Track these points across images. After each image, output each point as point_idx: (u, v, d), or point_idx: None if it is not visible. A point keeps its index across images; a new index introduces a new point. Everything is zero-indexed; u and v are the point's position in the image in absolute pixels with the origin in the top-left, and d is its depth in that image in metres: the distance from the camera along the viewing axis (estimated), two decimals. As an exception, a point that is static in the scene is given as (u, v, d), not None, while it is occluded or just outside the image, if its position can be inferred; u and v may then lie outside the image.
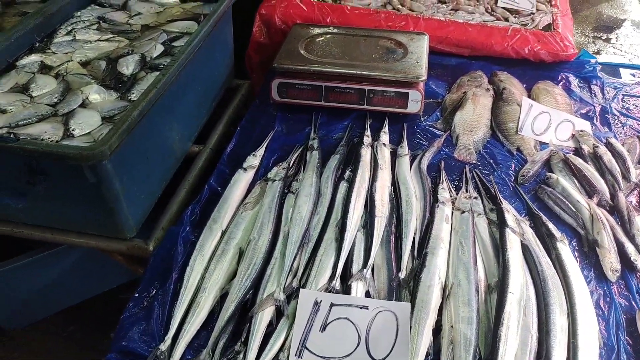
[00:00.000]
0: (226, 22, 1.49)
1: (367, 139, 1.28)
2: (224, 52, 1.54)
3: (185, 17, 1.47)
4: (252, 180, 1.20)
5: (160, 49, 1.31)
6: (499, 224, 1.02)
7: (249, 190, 1.16)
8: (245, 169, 1.20)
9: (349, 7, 1.67)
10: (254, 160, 1.23)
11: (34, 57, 1.27)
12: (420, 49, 1.42)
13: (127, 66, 1.23)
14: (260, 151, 1.27)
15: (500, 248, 0.97)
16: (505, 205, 1.08)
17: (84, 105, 1.12)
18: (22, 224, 1.15)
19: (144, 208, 1.16)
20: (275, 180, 1.13)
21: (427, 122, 1.39)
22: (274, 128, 1.36)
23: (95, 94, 1.14)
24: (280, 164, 1.21)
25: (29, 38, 1.32)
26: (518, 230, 1.00)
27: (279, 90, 1.37)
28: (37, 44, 1.33)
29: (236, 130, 1.38)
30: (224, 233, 1.04)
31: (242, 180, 1.17)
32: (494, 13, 1.68)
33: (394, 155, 1.25)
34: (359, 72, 1.33)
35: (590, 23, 3.35)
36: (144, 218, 1.16)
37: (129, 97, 1.14)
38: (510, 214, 1.04)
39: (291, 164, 1.21)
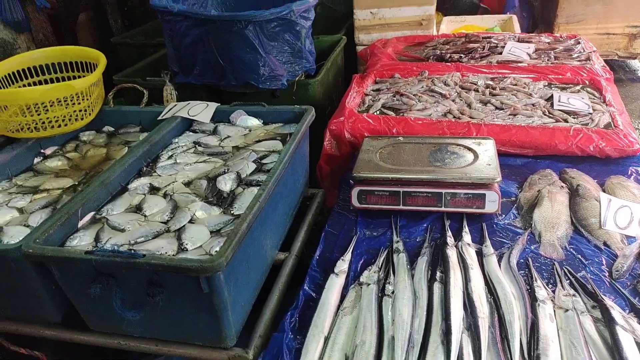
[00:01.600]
0: (305, 139, 1.64)
1: (450, 240, 1.32)
2: (303, 164, 1.68)
3: (269, 137, 1.64)
4: (344, 284, 1.24)
5: (252, 166, 1.45)
6: (607, 322, 1.00)
7: (343, 294, 1.20)
8: (337, 274, 1.25)
9: (412, 119, 1.81)
10: (343, 264, 1.28)
11: (144, 180, 1.43)
12: (489, 151, 1.51)
13: (225, 183, 1.37)
14: (348, 256, 1.32)
15: (614, 348, 0.95)
16: (608, 301, 1.06)
17: (192, 221, 1.24)
18: (130, 337, 1.21)
19: (243, 316, 1.21)
20: (369, 284, 1.17)
21: (506, 221, 1.43)
22: (357, 233, 1.43)
23: (201, 211, 1.26)
24: (370, 267, 1.26)
25: (138, 164, 1.50)
26: (629, 328, 0.98)
27: (359, 197, 1.46)
28: (145, 168, 1.50)
29: (320, 236, 1.45)
30: (326, 339, 1.07)
31: (335, 285, 1.22)
32: (552, 115, 1.78)
33: (479, 255, 1.28)
34: (435, 176, 1.41)
35: (638, 116, 3.43)
36: (241, 326, 1.20)
37: (232, 212, 1.25)
38: (616, 311, 1.03)
39: (380, 267, 1.26)
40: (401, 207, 1.44)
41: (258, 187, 1.32)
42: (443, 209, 1.42)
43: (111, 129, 1.86)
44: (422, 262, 1.24)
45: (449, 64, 2.30)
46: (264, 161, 1.49)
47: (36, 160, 1.68)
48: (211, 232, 1.19)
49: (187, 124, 1.77)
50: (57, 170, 1.63)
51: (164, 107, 1.82)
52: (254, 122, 1.73)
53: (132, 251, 1.13)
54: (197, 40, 2.12)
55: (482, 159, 1.47)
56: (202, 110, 1.74)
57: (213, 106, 1.76)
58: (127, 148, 1.72)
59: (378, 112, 1.95)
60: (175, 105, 1.81)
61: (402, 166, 1.48)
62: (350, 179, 1.51)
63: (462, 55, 2.35)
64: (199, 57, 2.19)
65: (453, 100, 1.93)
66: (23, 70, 1.83)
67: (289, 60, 2.16)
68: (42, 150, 1.72)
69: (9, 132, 1.62)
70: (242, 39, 2.03)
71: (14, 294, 1.23)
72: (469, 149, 1.53)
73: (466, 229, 1.37)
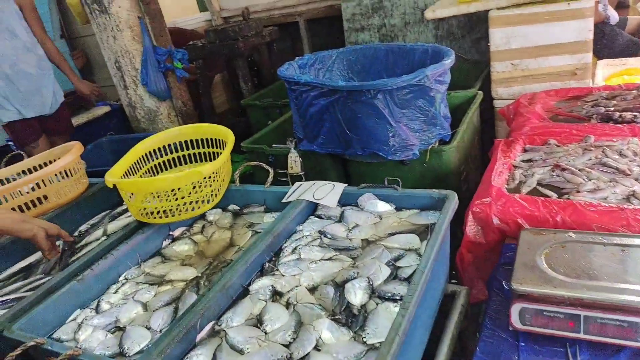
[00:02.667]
0: (447, 233, 1.39)
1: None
2: (444, 261, 1.43)
3: (403, 228, 1.42)
4: None
5: (385, 271, 1.24)
6: None
7: None
8: None
9: (582, 203, 1.46)
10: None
11: (266, 281, 1.30)
12: None
13: (355, 294, 1.17)
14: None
15: None
16: None
17: (317, 347, 1.05)
18: None
19: None
20: None
21: None
22: (519, 363, 1.12)
23: (328, 332, 1.08)
24: None
25: (260, 259, 1.38)
26: None
27: (521, 316, 1.16)
28: (267, 264, 1.38)
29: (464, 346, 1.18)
30: None
31: None
32: None
33: None
34: (632, 299, 1.06)
35: None
36: None
37: (364, 338, 1.04)
38: None
39: None
40: (582, 335, 1.10)
41: (394, 303, 1.11)
42: (644, 343, 1.05)
43: (236, 207, 1.81)
44: None
45: (620, 125, 1.88)
46: (399, 264, 1.27)
47: (165, 243, 1.67)
48: (340, 367, 0.99)
49: (313, 208, 1.63)
50: (183, 257, 1.59)
51: (289, 187, 1.72)
52: (385, 207, 1.53)
53: (251, 386, 0.97)
54: (323, 109, 2.03)
55: (698, 272, 1.08)
56: (328, 193, 1.59)
57: (340, 188, 1.60)
58: (250, 232, 1.63)
59: (532, 191, 1.62)
60: (300, 185, 1.69)
61: (580, 278, 1.14)
62: (507, 288, 1.21)
63: (637, 113, 1.92)
64: (325, 125, 2.09)
65: (636, 179, 1.53)
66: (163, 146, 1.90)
67: (422, 128, 1.95)
68: (170, 233, 1.71)
69: (142, 217, 1.63)
70: (371, 108, 1.88)
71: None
72: (676, 256, 1.15)
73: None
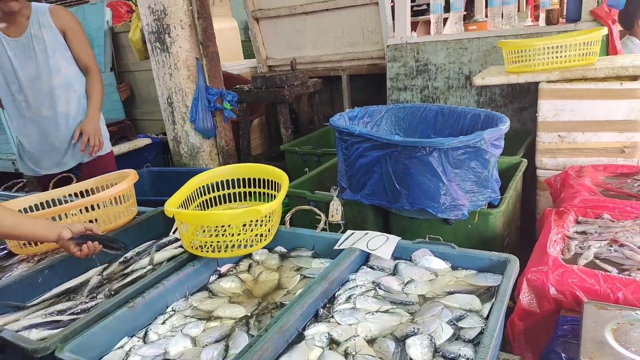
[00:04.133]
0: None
1: None
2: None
3: (461, 288, 1.40)
4: None
5: (447, 330, 1.21)
6: None
7: None
8: None
9: (646, 282, 1.42)
10: None
11: (321, 328, 1.28)
12: None
13: (418, 352, 1.14)
14: None
15: None
16: None
17: (382, 402, 1.02)
18: None
19: None
20: None
21: None
22: None
23: (392, 388, 1.04)
24: None
25: (315, 305, 1.36)
26: None
27: (591, 394, 1.11)
28: (321, 311, 1.36)
29: None
30: None
31: None
32: None
33: None
34: None
35: None
36: None
37: (431, 400, 1.01)
38: None
39: None
40: (658, 422, 1.04)
41: (460, 365, 1.07)
42: None
43: (283, 250, 1.80)
44: None
45: (675, 206, 1.87)
46: (461, 324, 1.24)
47: (212, 278, 1.66)
48: None
49: (364, 257, 1.62)
50: (230, 294, 1.58)
51: (339, 234, 1.72)
52: (440, 264, 1.51)
53: None
54: (374, 162, 2.05)
55: None
56: (381, 245, 1.59)
57: (394, 241, 1.60)
58: (299, 276, 1.62)
59: (589, 264, 1.60)
60: (353, 233, 1.69)
61: (654, 359, 1.10)
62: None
63: (692, 195, 1.90)
64: (373, 177, 2.11)
65: (700, 261, 1.49)
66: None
67: (473, 189, 1.96)
68: (218, 268, 1.70)
69: (191, 249, 1.64)
70: (424, 165, 1.90)
71: None
72: None
73: None
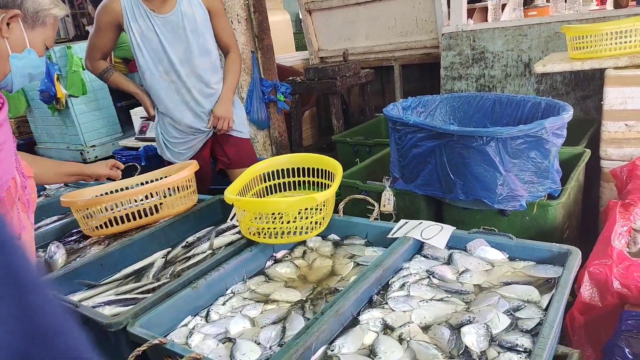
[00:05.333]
0: (567, 289, 1.33)
1: None
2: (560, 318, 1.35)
3: (519, 279, 1.37)
4: None
5: (504, 320, 1.20)
6: None
7: None
8: None
9: None
10: None
11: (375, 313, 1.30)
12: None
13: (474, 340, 1.13)
14: None
15: None
16: None
17: (437, 387, 1.03)
18: None
19: None
20: None
21: None
22: None
23: (448, 374, 1.05)
24: None
25: (369, 291, 1.38)
26: None
27: (658, 391, 1.07)
28: (375, 297, 1.38)
29: None
30: None
31: None
32: None
33: None
34: None
35: None
36: None
37: (488, 387, 1.01)
38: None
39: None
40: None
41: (518, 355, 1.07)
42: None
43: (337, 237, 1.83)
44: None
45: None
46: (519, 315, 1.22)
47: (268, 263, 1.72)
48: (464, 414, 0.95)
49: (418, 247, 1.62)
50: (285, 279, 1.63)
51: (392, 223, 1.72)
52: (497, 255, 1.49)
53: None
54: (428, 152, 2.04)
55: None
56: (436, 234, 1.58)
57: (449, 230, 1.59)
58: (352, 263, 1.65)
59: (659, 258, 1.52)
60: (406, 223, 1.69)
61: None
62: (632, 357, 1.13)
63: None
64: (427, 167, 2.09)
65: None
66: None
67: (532, 180, 1.90)
68: (274, 254, 1.76)
69: (248, 234, 1.70)
70: (481, 155, 1.86)
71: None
72: None
73: None
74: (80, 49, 4.20)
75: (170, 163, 2.58)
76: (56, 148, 4.91)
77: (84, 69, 4.25)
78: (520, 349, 1.09)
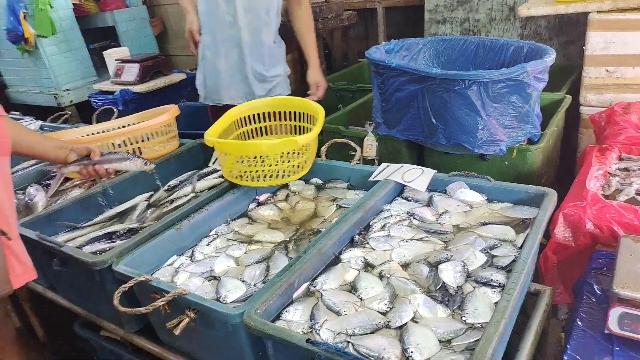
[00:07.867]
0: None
1: None
2: (534, 259, 1.41)
3: (496, 220, 1.42)
4: None
5: (480, 257, 1.24)
6: None
7: None
8: None
9: (687, 218, 1.40)
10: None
11: (357, 252, 1.34)
12: None
13: (451, 276, 1.18)
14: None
15: None
16: None
17: (414, 319, 1.08)
18: None
19: None
20: None
21: None
22: (612, 367, 1.11)
23: (425, 307, 1.10)
24: None
25: (351, 232, 1.41)
26: None
27: (620, 322, 1.14)
28: (356, 237, 1.41)
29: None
30: None
31: None
32: None
33: None
34: None
35: None
36: None
37: (463, 317, 1.06)
38: None
39: None
40: (686, 347, 1.07)
41: (492, 289, 1.12)
42: None
43: (319, 181, 1.85)
44: None
45: None
46: (494, 252, 1.27)
47: (251, 206, 1.73)
48: (440, 342, 1.01)
49: (399, 189, 1.65)
50: (269, 220, 1.65)
51: (374, 167, 1.74)
52: (476, 197, 1.53)
53: (349, 344, 1.01)
54: (411, 96, 2.02)
55: None
56: (417, 177, 1.60)
57: (429, 173, 1.61)
58: (335, 206, 1.67)
59: (630, 200, 1.57)
60: (388, 166, 1.71)
61: (687, 290, 1.11)
62: (601, 292, 1.20)
63: None
64: (409, 112, 2.09)
65: None
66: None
67: (512, 124, 1.92)
68: (257, 197, 1.77)
69: (231, 177, 1.70)
70: (463, 99, 1.86)
71: (223, 352, 1.22)
72: None
73: None
74: (47, -16, 3.94)
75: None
76: (27, 92, 4.72)
77: (52, 7, 4.02)
78: (495, 284, 1.14)
